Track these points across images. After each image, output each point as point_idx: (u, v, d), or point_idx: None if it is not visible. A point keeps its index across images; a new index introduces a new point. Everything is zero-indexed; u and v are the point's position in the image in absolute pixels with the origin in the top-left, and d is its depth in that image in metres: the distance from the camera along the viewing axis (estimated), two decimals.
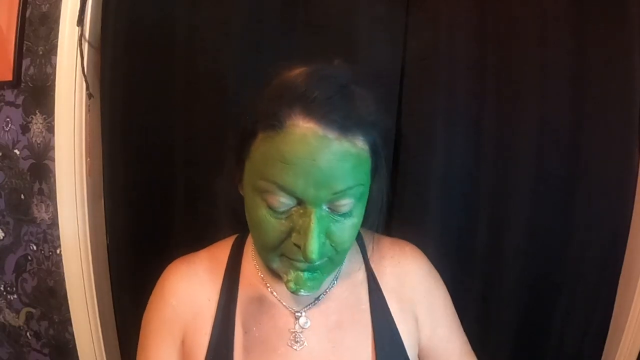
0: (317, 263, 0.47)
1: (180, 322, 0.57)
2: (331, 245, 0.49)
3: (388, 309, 0.57)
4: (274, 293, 0.57)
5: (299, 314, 0.56)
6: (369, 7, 0.79)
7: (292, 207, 0.47)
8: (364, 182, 0.49)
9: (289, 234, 0.48)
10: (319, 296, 0.57)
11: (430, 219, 0.81)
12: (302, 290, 0.50)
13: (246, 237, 0.62)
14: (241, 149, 0.51)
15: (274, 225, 0.48)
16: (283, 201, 0.46)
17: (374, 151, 0.50)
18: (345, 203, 0.47)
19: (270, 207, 0.47)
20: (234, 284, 0.57)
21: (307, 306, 0.57)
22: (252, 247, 0.60)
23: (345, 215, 0.48)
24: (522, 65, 0.75)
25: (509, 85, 0.76)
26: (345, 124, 0.46)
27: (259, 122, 0.47)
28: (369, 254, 0.61)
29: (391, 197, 0.83)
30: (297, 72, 0.49)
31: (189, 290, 0.57)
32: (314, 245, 0.45)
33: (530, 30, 0.74)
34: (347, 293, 0.58)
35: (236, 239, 0.62)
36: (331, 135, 0.45)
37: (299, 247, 0.47)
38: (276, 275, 0.56)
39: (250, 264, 0.59)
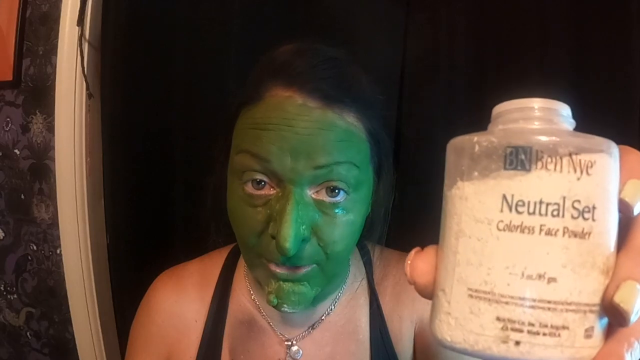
0: (294, 255, 0.39)
1: (165, 342, 0.53)
2: (319, 244, 0.41)
3: (389, 338, 0.51)
4: (266, 317, 0.52)
5: (290, 343, 0.50)
6: (369, 7, 0.79)
7: (270, 190, 0.41)
8: (360, 165, 0.41)
9: (266, 225, 0.41)
10: (314, 324, 0.51)
11: (431, 219, 0.80)
12: (284, 306, 0.42)
13: None
14: (227, 136, 0.47)
15: (251, 216, 0.41)
16: (258, 178, 0.40)
17: (374, 137, 0.44)
18: (335, 185, 0.40)
19: (247, 190, 0.41)
20: (223, 305, 0.53)
21: (300, 334, 0.51)
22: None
23: (337, 207, 0.41)
24: (522, 65, 0.75)
25: (509, 85, 0.76)
26: (330, 93, 0.40)
27: (241, 99, 0.44)
28: (375, 273, 0.54)
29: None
30: (283, 48, 0.45)
31: (175, 309, 0.54)
32: (287, 231, 0.37)
33: (530, 30, 0.74)
34: (344, 320, 0.52)
35: (231, 250, 0.58)
36: (312, 104, 0.40)
37: (275, 238, 0.39)
38: None
39: (243, 282, 0.54)
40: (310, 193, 0.41)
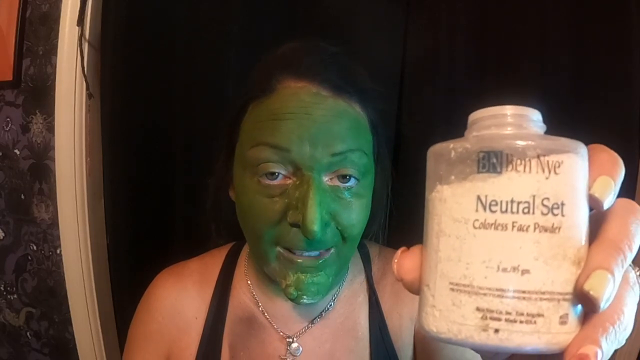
0: (321, 239, 0.40)
1: (166, 340, 0.54)
2: (337, 228, 0.43)
3: (388, 335, 0.51)
4: (266, 314, 0.52)
5: (291, 340, 0.51)
6: (369, 7, 0.79)
7: (286, 180, 0.42)
8: (367, 152, 0.44)
9: (284, 214, 0.42)
10: (314, 320, 0.52)
11: None
12: (304, 297, 0.43)
13: (242, 249, 0.58)
14: (232, 133, 0.47)
15: (267, 206, 0.42)
16: (276, 169, 0.41)
17: (375, 128, 0.46)
18: (348, 173, 0.42)
19: (262, 181, 0.42)
20: (224, 302, 0.53)
21: (300, 330, 0.51)
22: (247, 260, 0.56)
23: (350, 191, 0.43)
24: (522, 65, 0.75)
25: (508, 85, 0.76)
26: (339, 83, 0.43)
27: (249, 94, 0.45)
28: (373, 270, 0.55)
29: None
30: (287, 45, 0.48)
31: (176, 306, 0.54)
32: (314, 215, 0.39)
33: (530, 30, 0.74)
34: (343, 317, 0.52)
35: (231, 248, 0.58)
36: (325, 92, 0.42)
37: (297, 226, 0.40)
38: (269, 293, 0.52)
39: (243, 280, 0.55)
40: (325, 180, 0.42)
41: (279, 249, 0.44)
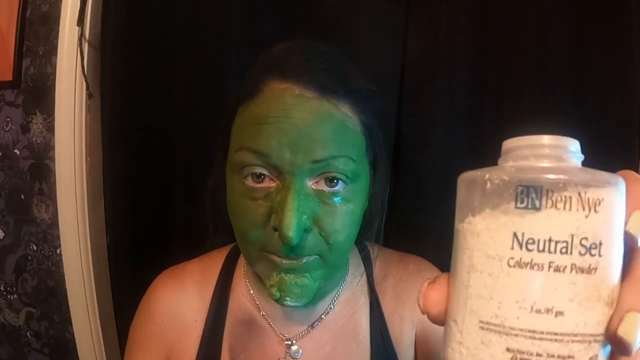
0: (296, 243, 0.39)
1: (165, 341, 0.54)
2: (321, 234, 0.41)
3: (389, 338, 0.51)
4: (265, 316, 0.52)
5: (290, 342, 0.50)
6: (369, 7, 0.79)
7: (270, 183, 0.41)
8: (356, 158, 0.42)
9: (268, 217, 0.41)
10: (314, 323, 0.51)
11: (431, 220, 0.81)
12: (287, 299, 0.42)
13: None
14: (225, 135, 0.47)
15: (251, 209, 0.41)
16: (258, 171, 0.41)
17: (368, 130, 0.45)
18: (335, 176, 0.41)
19: (247, 184, 0.42)
20: (223, 304, 0.53)
21: (300, 333, 0.51)
22: (246, 262, 0.55)
23: (336, 196, 0.41)
24: (522, 65, 0.75)
25: (509, 85, 0.76)
26: (325, 83, 0.41)
27: (239, 96, 0.45)
28: (374, 272, 0.54)
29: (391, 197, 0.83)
30: (277, 46, 0.46)
31: (175, 309, 0.54)
32: (290, 220, 0.38)
33: (530, 30, 0.74)
34: (344, 320, 0.52)
35: (231, 250, 0.58)
36: (309, 94, 0.41)
37: (277, 230, 0.40)
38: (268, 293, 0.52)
39: (242, 281, 0.54)
40: (310, 184, 0.41)
41: (263, 253, 0.43)
